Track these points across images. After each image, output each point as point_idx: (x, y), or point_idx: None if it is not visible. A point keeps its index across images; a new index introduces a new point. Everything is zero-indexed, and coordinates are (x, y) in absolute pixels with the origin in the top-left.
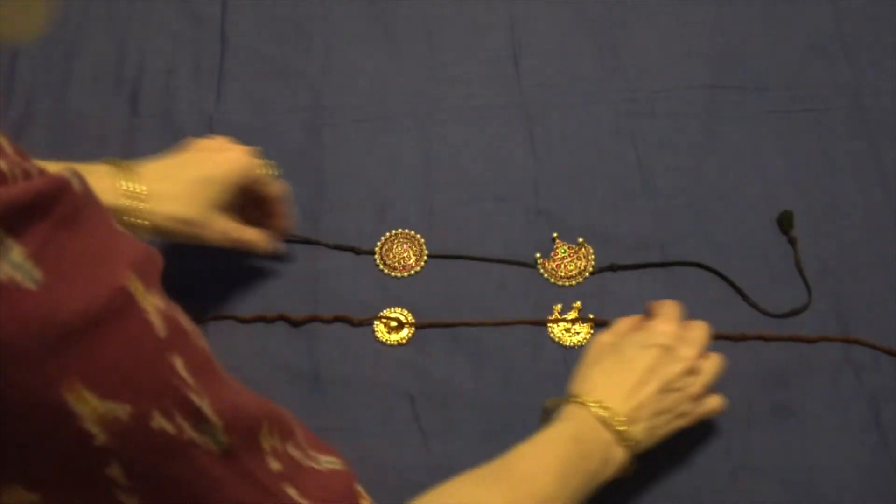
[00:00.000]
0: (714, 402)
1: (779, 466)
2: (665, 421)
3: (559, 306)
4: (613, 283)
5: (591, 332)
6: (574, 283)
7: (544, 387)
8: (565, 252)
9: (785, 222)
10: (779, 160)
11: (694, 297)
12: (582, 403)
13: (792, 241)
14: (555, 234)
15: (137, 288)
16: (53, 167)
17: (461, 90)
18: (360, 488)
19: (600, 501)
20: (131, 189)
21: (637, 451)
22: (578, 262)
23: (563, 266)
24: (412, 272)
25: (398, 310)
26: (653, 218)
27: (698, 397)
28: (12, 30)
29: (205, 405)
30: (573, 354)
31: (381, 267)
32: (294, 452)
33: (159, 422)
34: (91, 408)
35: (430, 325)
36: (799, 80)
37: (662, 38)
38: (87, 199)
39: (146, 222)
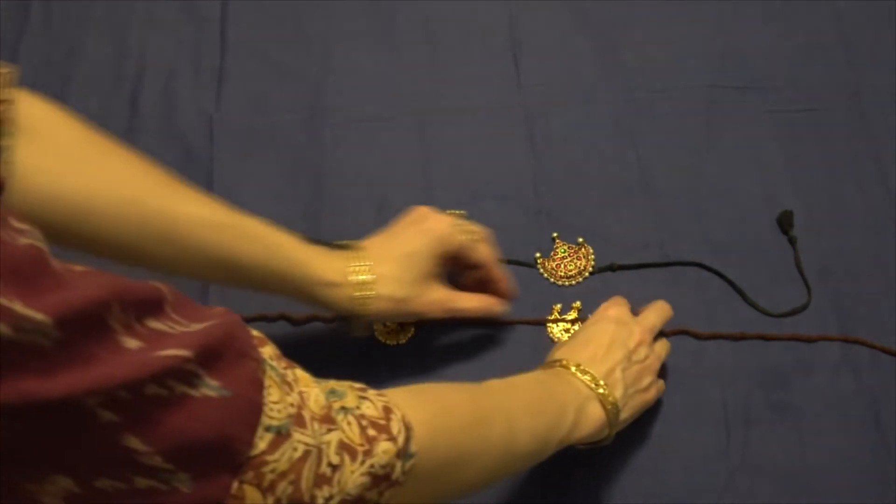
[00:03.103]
0: (662, 385)
1: (778, 466)
2: (633, 392)
3: (559, 306)
4: (613, 283)
5: None
6: (574, 282)
7: None
8: (565, 252)
9: (785, 222)
10: (779, 160)
11: (694, 297)
12: (564, 367)
13: (792, 241)
14: (555, 234)
15: None
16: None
17: (461, 90)
18: (258, 333)
19: (600, 501)
20: (362, 280)
21: (616, 419)
22: (578, 262)
23: (562, 266)
24: None
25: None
26: (653, 218)
27: (655, 373)
28: None
29: (17, 306)
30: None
31: None
32: (158, 325)
33: None
34: None
35: (430, 325)
36: (799, 80)
37: (662, 38)
38: None
39: (363, 307)
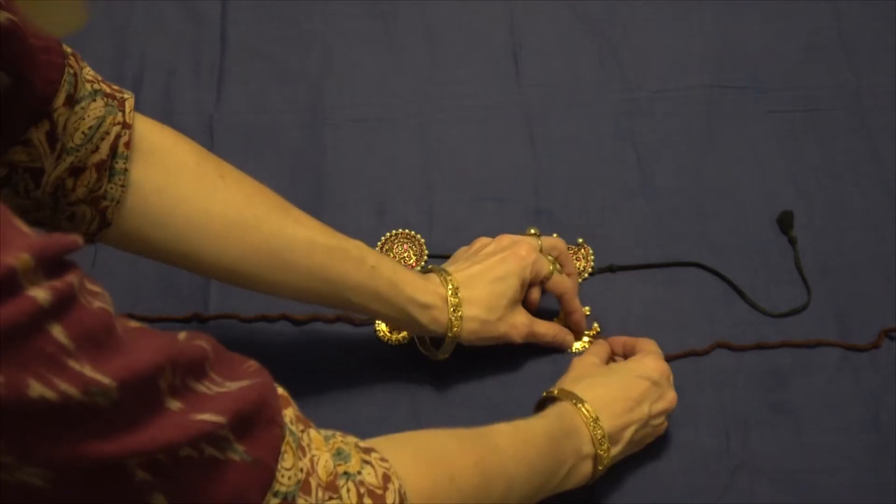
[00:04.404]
0: None
1: (778, 466)
2: (629, 450)
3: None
4: (613, 284)
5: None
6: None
7: (544, 387)
8: None
9: (785, 222)
10: (779, 160)
11: (693, 297)
12: (584, 412)
13: (792, 241)
14: (554, 235)
15: (24, 265)
16: (396, 270)
17: (461, 90)
18: (282, 391)
19: (600, 502)
20: (453, 302)
21: (598, 475)
22: (578, 263)
23: None
24: None
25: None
26: (653, 218)
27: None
28: (50, 24)
29: (87, 369)
30: (572, 355)
31: None
32: (199, 386)
33: (37, 389)
34: None
35: None
36: (799, 80)
37: (662, 38)
38: None
39: (456, 329)
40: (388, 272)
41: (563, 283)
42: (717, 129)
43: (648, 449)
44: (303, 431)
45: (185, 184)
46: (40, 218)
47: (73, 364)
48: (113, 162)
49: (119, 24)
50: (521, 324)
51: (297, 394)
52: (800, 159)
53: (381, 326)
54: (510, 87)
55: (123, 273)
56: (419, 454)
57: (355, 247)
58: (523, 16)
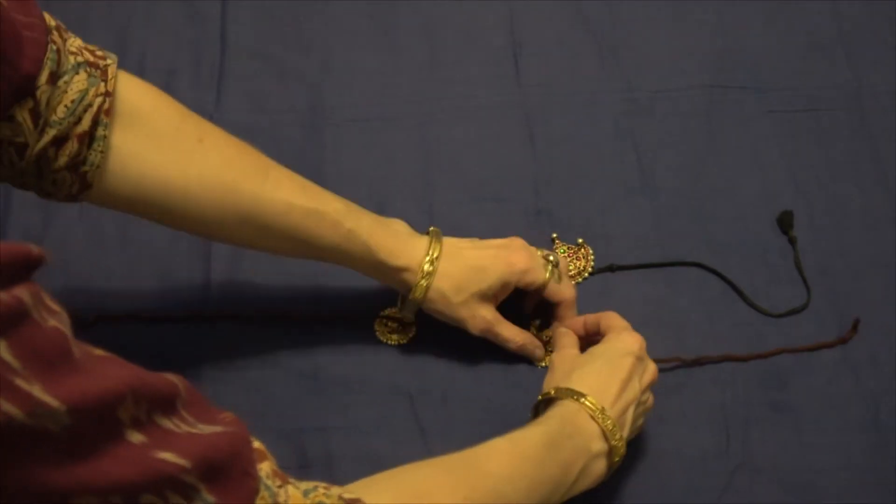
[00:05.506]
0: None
1: (777, 466)
2: (630, 432)
3: None
4: (613, 284)
5: None
6: (573, 283)
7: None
8: (564, 252)
9: (785, 222)
10: (779, 160)
11: (693, 297)
12: (588, 406)
13: (792, 241)
14: (554, 235)
15: None
16: (374, 233)
17: (461, 90)
18: (258, 445)
19: (600, 501)
20: (425, 269)
21: (615, 468)
22: (578, 263)
23: None
24: None
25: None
26: (653, 218)
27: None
28: None
29: (36, 389)
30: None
31: None
32: (165, 422)
33: None
34: None
35: (432, 325)
36: (799, 80)
37: (662, 38)
38: None
39: (418, 294)
40: (365, 236)
41: (561, 293)
42: (717, 129)
43: (648, 449)
44: (280, 487)
45: (163, 148)
46: (26, 183)
47: (21, 383)
48: (94, 130)
49: (119, 24)
50: (480, 317)
51: (296, 395)
52: (800, 159)
53: (380, 327)
54: (510, 87)
55: (123, 273)
56: (404, 499)
57: (334, 210)
58: (523, 16)
